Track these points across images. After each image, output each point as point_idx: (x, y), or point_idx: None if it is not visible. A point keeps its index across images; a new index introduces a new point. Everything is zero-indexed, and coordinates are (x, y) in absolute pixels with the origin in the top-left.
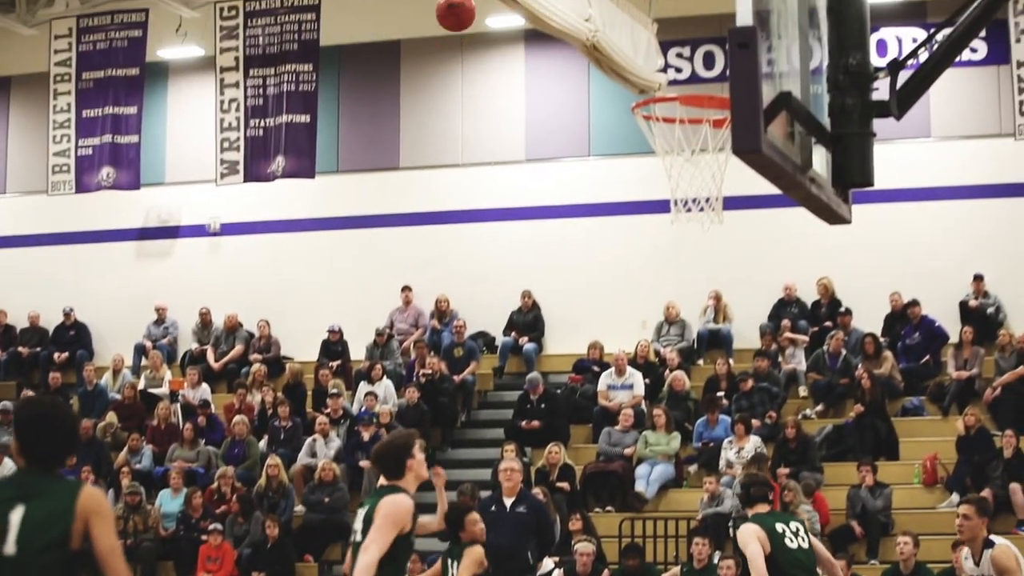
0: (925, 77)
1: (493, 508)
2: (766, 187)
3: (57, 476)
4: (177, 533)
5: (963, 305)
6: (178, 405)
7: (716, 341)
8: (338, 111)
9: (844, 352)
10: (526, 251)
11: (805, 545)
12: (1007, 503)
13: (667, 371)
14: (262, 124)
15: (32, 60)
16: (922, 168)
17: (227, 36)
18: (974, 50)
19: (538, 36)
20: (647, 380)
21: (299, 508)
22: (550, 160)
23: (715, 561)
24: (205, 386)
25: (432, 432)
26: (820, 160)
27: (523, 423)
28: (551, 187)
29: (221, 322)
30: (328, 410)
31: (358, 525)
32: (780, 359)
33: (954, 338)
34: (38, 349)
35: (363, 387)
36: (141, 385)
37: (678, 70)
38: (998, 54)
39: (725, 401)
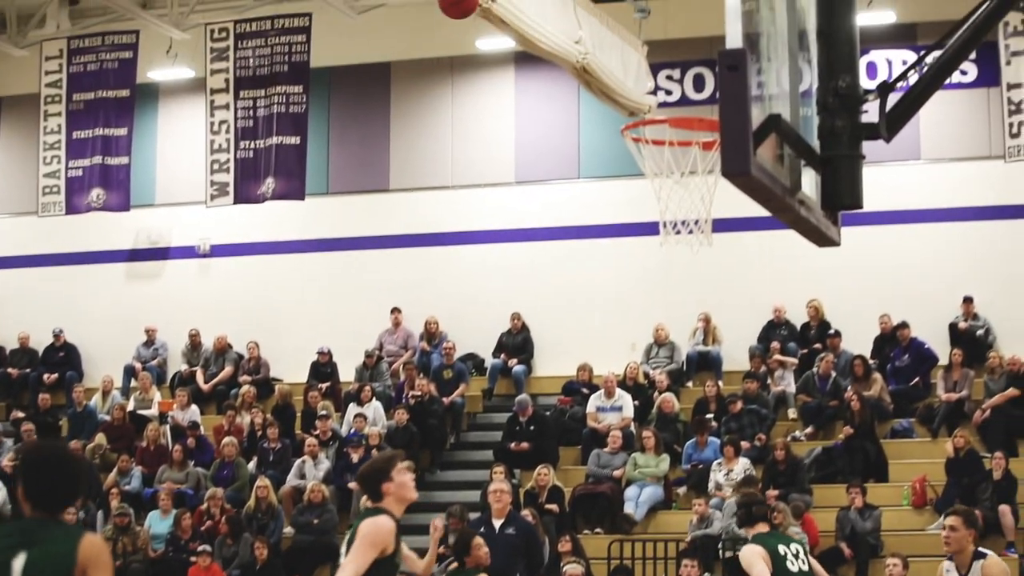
0: (915, 99)
1: (482, 530)
2: (755, 209)
3: (60, 522)
4: (166, 555)
5: (953, 327)
6: (167, 427)
7: (705, 363)
8: (328, 133)
9: (834, 374)
10: (515, 273)
11: (805, 568)
12: (996, 525)
13: (656, 393)
14: (252, 146)
15: (23, 81)
16: (912, 190)
17: (217, 58)
18: (964, 72)
19: (528, 58)
20: (636, 402)
21: (288, 530)
22: (540, 182)
23: None
24: (194, 407)
25: (421, 454)
26: (809, 182)
27: (512, 445)
28: (541, 209)
29: (211, 343)
30: (317, 432)
31: (343, 548)
32: (769, 381)
33: (944, 360)
34: (28, 370)
35: (352, 409)
36: (130, 406)
37: (668, 92)
38: (988, 76)
39: (714, 423)
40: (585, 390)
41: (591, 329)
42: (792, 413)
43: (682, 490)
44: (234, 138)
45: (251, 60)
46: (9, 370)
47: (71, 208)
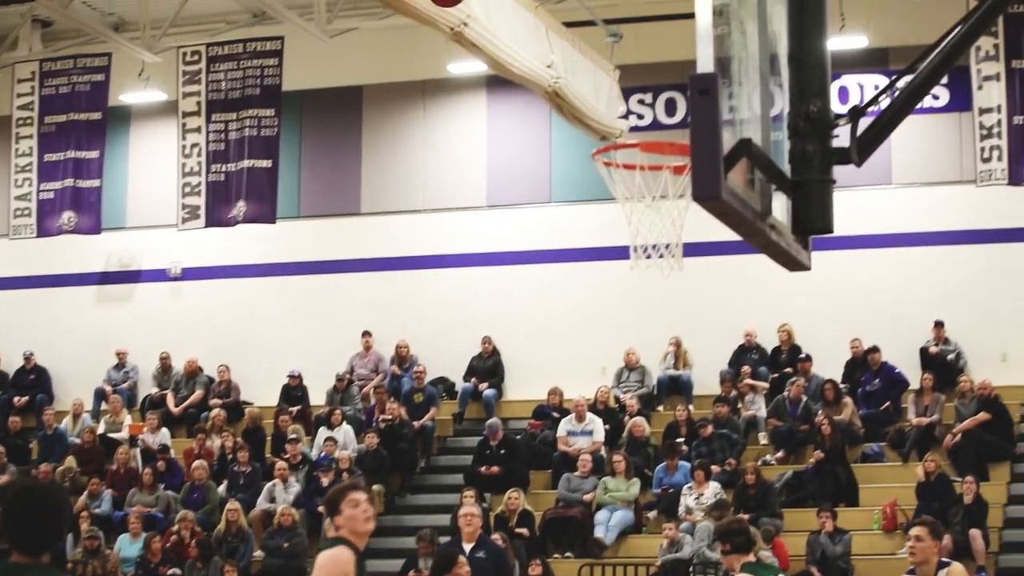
0: (886, 124)
1: None
2: (726, 234)
3: (42, 567)
4: None
5: (923, 352)
6: (138, 450)
7: (676, 387)
8: (300, 156)
9: (804, 398)
10: (486, 297)
11: None
12: (967, 549)
13: (627, 417)
14: (224, 169)
15: None
16: (883, 215)
17: (190, 81)
18: (936, 97)
19: (500, 82)
20: (607, 426)
21: (258, 553)
22: (511, 206)
23: None
24: (165, 431)
25: (391, 477)
26: (780, 207)
27: (483, 469)
28: (512, 233)
29: (181, 367)
30: (287, 455)
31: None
32: (740, 405)
33: (915, 384)
34: None
35: (323, 432)
36: (101, 429)
37: (640, 116)
38: (960, 101)
39: (685, 447)
40: (556, 414)
41: (562, 353)
42: (763, 437)
43: (652, 514)
44: (206, 161)
45: (223, 83)
46: None
47: (42, 231)
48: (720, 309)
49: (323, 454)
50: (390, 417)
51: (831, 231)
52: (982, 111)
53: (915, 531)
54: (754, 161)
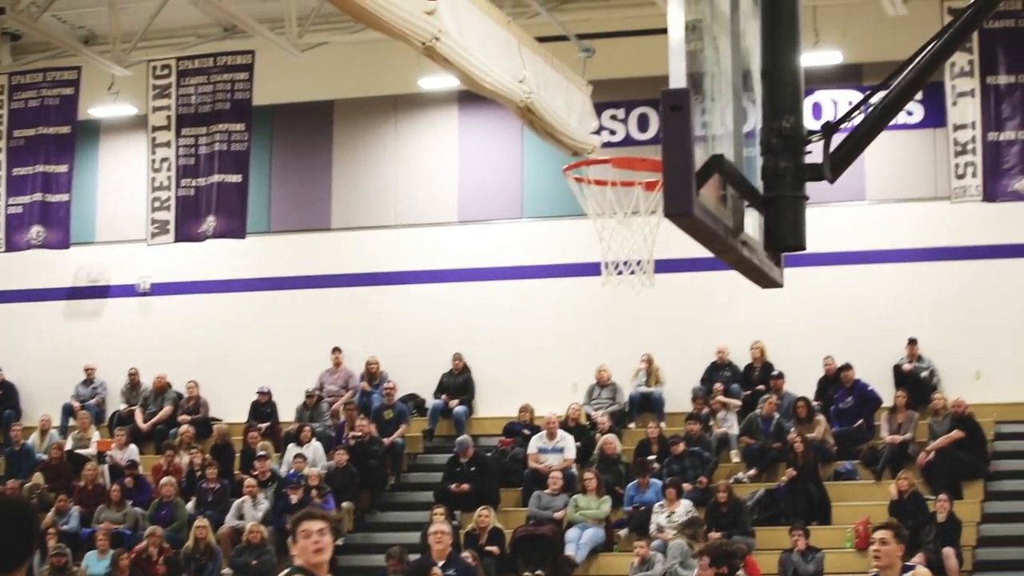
0: (859, 140)
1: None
2: (698, 250)
3: None
4: None
5: (897, 369)
6: (106, 466)
7: (648, 404)
8: (270, 171)
9: (777, 416)
10: (457, 313)
11: None
12: (940, 568)
13: (598, 434)
14: (193, 184)
15: None
16: (856, 231)
17: (160, 95)
18: (910, 113)
19: (471, 98)
20: (578, 443)
21: (227, 571)
22: (483, 222)
23: None
24: (133, 447)
25: (361, 495)
26: (752, 223)
27: (453, 486)
28: (483, 249)
29: (150, 383)
30: (256, 472)
31: None
32: (712, 423)
33: (888, 402)
34: None
35: (292, 449)
36: (68, 446)
37: (612, 132)
38: (934, 117)
39: (656, 465)
40: (526, 431)
41: (533, 370)
42: (735, 455)
43: (624, 532)
44: (175, 176)
45: (193, 98)
46: None
47: (11, 245)
48: (692, 326)
49: (292, 471)
50: (360, 434)
51: (804, 248)
52: (956, 127)
53: (880, 534)
54: (726, 177)
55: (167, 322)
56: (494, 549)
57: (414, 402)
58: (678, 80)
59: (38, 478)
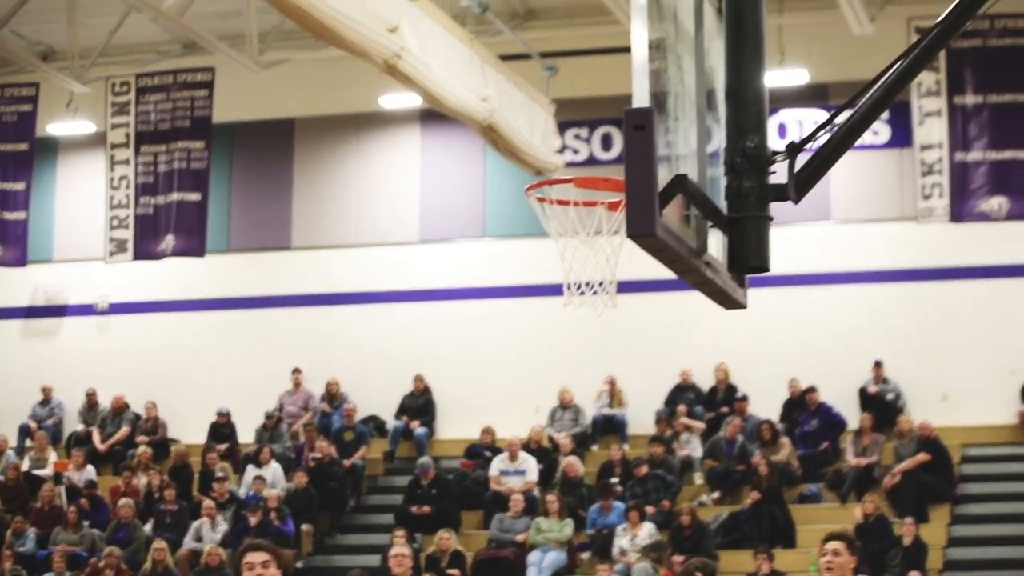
0: (824, 161)
1: None
2: (662, 271)
3: None
4: None
5: (863, 391)
6: (62, 487)
7: (611, 427)
8: (230, 189)
9: (741, 438)
10: (418, 333)
11: None
12: None
13: (561, 456)
14: (152, 202)
15: None
16: (821, 251)
17: (119, 112)
18: (876, 133)
19: (434, 116)
20: (540, 466)
21: None
22: (445, 241)
23: None
24: (90, 468)
25: (321, 517)
26: (716, 244)
27: (414, 508)
28: (445, 269)
29: (108, 403)
30: (215, 494)
31: None
32: (675, 445)
33: (853, 425)
34: None
35: (251, 470)
36: (25, 466)
37: (576, 151)
38: (901, 137)
39: (619, 487)
40: (488, 453)
41: (495, 391)
42: (698, 478)
43: (586, 555)
44: (134, 194)
45: (152, 115)
46: None
47: None
48: (656, 347)
49: (251, 493)
50: (320, 455)
51: (767, 270)
52: (923, 147)
53: (832, 545)
54: (690, 197)
55: (125, 342)
56: (455, 572)
57: (375, 423)
58: (641, 99)
59: None
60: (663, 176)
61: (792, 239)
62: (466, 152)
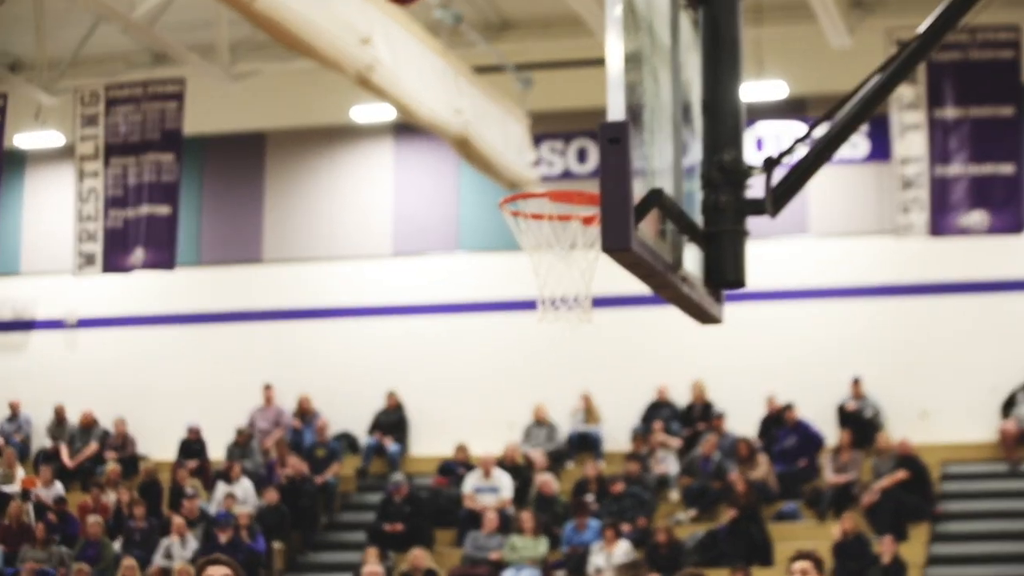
0: (801, 175)
1: None
2: (637, 286)
3: None
4: None
5: (841, 408)
6: (30, 504)
7: (585, 443)
8: (200, 202)
9: (718, 455)
10: (391, 349)
11: None
12: None
13: (535, 474)
14: (122, 215)
15: None
16: (799, 266)
17: (88, 123)
18: (855, 146)
19: (407, 129)
20: (515, 483)
21: None
22: (418, 255)
23: None
24: (59, 485)
25: (293, 535)
26: (692, 259)
27: (386, 526)
28: (418, 283)
29: (76, 419)
30: (185, 511)
31: None
32: (651, 462)
33: (832, 442)
34: None
35: (222, 487)
36: None
37: (551, 164)
38: (880, 151)
39: (594, 505)
40: (462, 470)
41: (468, 407)
42: (675, 495)
43: (561, 573)
44: (103, 207)
45: (122, 127)
46: None
47: None
48: (631, 363)
49: (222, 510)
50: (291, 472)
51: (743, 285)
52: (903, 161)
53: (799, 565)
54: (665, 211)
55: (94, 357)
56: None
57: (347, 440)
58: (616, 112)
59: None
60: (639, 190)
61: (769, 254)
62: (440, 165)
